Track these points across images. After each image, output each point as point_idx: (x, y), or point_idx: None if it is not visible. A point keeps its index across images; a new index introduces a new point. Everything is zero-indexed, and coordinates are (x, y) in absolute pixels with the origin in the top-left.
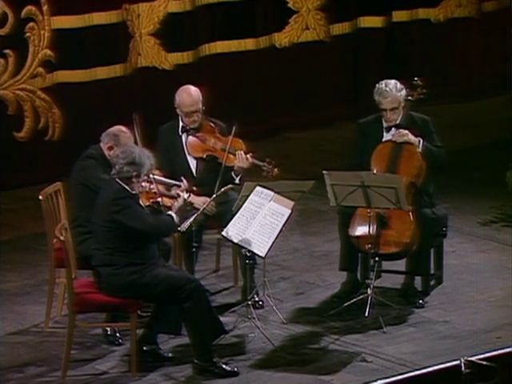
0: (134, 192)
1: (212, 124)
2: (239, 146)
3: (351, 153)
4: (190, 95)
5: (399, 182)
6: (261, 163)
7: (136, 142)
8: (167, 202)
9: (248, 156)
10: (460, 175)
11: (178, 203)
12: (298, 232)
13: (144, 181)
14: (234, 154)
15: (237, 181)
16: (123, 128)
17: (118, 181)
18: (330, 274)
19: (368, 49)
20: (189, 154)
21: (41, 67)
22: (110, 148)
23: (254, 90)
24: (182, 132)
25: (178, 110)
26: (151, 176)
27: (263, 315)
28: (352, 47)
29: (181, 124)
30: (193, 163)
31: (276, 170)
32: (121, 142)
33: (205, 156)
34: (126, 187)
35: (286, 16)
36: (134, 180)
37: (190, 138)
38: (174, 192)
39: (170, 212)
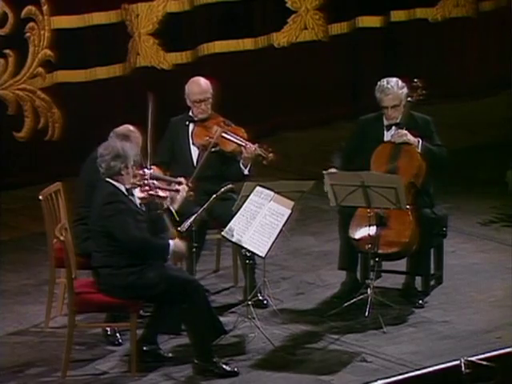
0: (127, 187)
1: (219, 117)
2: (240, 134)
3: (345, 144)
4: (198, 85)
5: (399, 182)
6: (257, 148)
7: (148, 122)
8: (162, 194)
9: (255, 146)
10: (460, 175)
11: (180, 196)
12: (298, 232)
13: (134, 171)
14: (231, 140)
15: (246, 172)
16: (131, 127)
17: (109, 180)
18: (329, 274)
19: (366, 48)
20: (193, 143)
21: (41, 67)
22: None
23: (252, 90)
24: (189, 122)
25: (187, 101)
26: (150, 172)
27: (263, 315)
28: (350, 47)
29: (190, 114)
30: (195, 153)
31: (271, 155)
32: (132, 142)
33: (206, 143)
34: (118, 185)
35: (285, 16)
36: (123, 173)
37: (195, 127)
38: (172, 185)
39: (171, 241)
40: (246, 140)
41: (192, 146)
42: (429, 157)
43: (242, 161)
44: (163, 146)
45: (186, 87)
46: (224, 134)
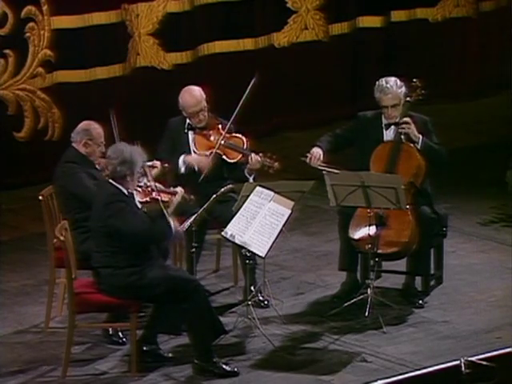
0: (129, 191)
1: (217, 121)
2: (239, 142)
3: (339, 131)
4: (192, 96)
5: (399, 182)
6: (262, 158)
7: (114, 138)
8: (165, 197)
9: (259, 157)
10: (460, 175)
11: (176, 199)
12: (298, 232)
13: (139, 178)
14: (235, 150)
15: (251, 180)
16: (91, 122)
17: (112, 182)
18: (329, 274)
19: (367, 48)
20: (194, 152)
21: (40, 67)
22: (86, 144)
23: (252, 90)
24: (188, 129)
25: (183, 112)
26: (151, 184)
27: (263, 315)
28: (351, 47)
29: (187, 121)
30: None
31: (277, 164)
32: (93, 134)
33: (208, 153)
34: (120, 187)
35: (285, 16)
36: (128, 179)
37: (196, 135)
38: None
39: (170, 218)
40: (249, 148)
41: (194, 155)
42: (429, 153)
43: (246, 170)
44: (164, 144)
45: (180, 99)
46: (226, 144)
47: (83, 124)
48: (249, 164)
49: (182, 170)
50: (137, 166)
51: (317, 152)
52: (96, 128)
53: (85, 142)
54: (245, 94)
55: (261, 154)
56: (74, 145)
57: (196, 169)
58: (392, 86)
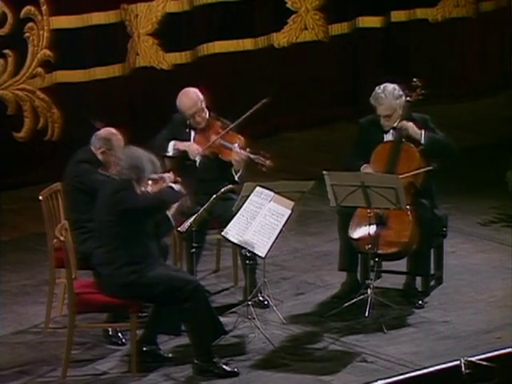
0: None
1: (217, 120)
2: (236, 141)
3: (351, 151)
4: (188, 98)
5: (399, 183)
6: (253, 156)
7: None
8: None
9: (241, 150)
10: (460, 175)
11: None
12: (298, 232)
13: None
14: (228, 148)
15: (236, 178)
16: (113, 130)
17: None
18: (329, 274)
19: (367, 49)
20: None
21: (40, 67)
22: (104, 153)
23: (252, 90)
24: (189, 128)
25: (182, 115)
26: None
27: (263, 315)
28: (351, 47)
29: (188, 122)
30: (198, 158)
31: (268, 161)
32: (113, 145)
33: (207, 152)
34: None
35: (285, 16)
36: (133, 183)
37: (196, 135)
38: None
39: (170, 184)
40: (243, 147)
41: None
42: (435, 146)
43: (233, 166)
44: (164, 136)
45: (177, 102)
46: (223, 143)
47: (106, 132)
48: (232, 157)
49: (170, 153)
50: (145, 173)
51: None
52: (118, 139)
53: (103, 150)
54: (252, 109)
55: (248, 150)
56: (91, 148)
57: (190, 155)
58: (387, 97)
